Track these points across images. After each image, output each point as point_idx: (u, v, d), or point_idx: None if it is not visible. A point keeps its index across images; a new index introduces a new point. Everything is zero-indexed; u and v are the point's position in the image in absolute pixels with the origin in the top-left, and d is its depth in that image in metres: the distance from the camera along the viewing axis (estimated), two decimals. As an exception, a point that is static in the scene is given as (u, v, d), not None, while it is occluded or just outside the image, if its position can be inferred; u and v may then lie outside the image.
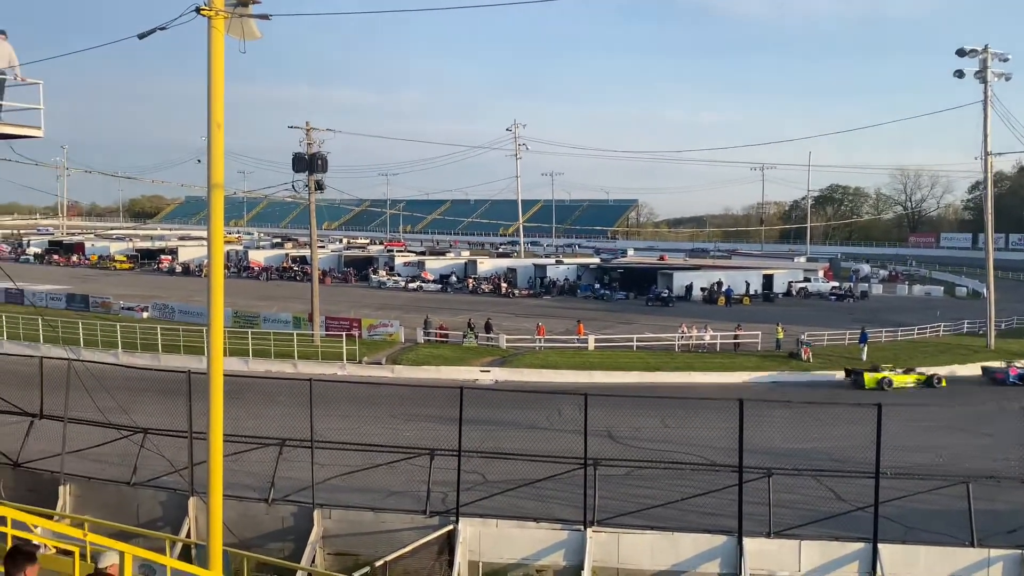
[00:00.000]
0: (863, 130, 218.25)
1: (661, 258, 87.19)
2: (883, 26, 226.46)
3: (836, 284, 69.81)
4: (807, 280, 70.02)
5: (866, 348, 39.30)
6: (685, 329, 42.08)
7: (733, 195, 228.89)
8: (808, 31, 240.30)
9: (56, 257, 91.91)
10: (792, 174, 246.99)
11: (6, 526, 10.18)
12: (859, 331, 41.05)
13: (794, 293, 66.99)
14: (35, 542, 10.44)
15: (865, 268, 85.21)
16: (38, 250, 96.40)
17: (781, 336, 40.79)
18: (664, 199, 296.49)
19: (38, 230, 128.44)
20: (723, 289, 61.70)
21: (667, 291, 61.27)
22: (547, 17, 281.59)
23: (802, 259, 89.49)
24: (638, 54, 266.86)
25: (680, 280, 64.18)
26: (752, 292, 63.72)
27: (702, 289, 62.83)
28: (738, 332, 42.13)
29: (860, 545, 14.67)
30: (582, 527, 15.16)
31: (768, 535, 14.86)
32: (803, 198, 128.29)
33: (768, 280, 66.93)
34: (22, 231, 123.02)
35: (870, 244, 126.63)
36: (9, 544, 9.81)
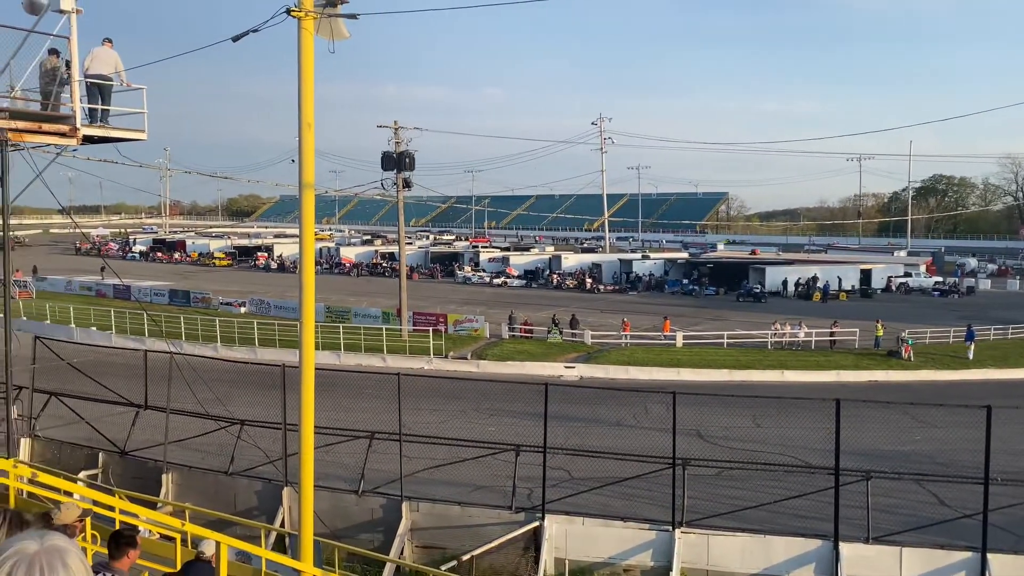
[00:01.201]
0: (968, 117, 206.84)
1: (753, 252, 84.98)
2: (988, 10, 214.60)
3: (940, 279, 66.67)
4: (908, 275, 67.10)
5: (973, 346, 37.36)
6: (778, 326, 40.92)
7: (828, 187, 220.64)
8: (906, 15, 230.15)
9: (160, 254, 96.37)
10: (891, 164, 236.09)
11: (115, 512, 10.69)
12: (965, 328, 39.04)
13: (894, 289, 64.31)
14: (138, 527, 10.91)
15: (971, 262, 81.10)
16: (143, 248, 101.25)
17: (880, 333, 39.19)
18: (756, 192, 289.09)
19: (143, 229, 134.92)
20: (818, 284, 59.76)
21: (759, 286, 59.73)
22: (635, 8, 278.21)
23: (902, 253, 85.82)
24: (731, 44, 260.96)
25: (773, 275, 62.46)
26: (849, 288, 61.46)
27: (796, 284, 61.03)
28: (834, 329, 40.72)
29: (967, 554, 13.91)
30: (670, 527, 14.90)
31: (866, 540, 14.26)
32: (903, 189, 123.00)
33: (866, 275, 64.43)
34: (129, 230, 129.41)
35: (977, 237, 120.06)
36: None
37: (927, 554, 14.10)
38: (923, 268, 70.69)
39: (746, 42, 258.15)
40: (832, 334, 40.46)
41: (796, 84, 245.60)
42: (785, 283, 61.42)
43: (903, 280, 65.68)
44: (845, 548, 14.16)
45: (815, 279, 60.81)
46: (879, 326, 39.58)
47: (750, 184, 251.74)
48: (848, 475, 14.75)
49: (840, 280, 61.67)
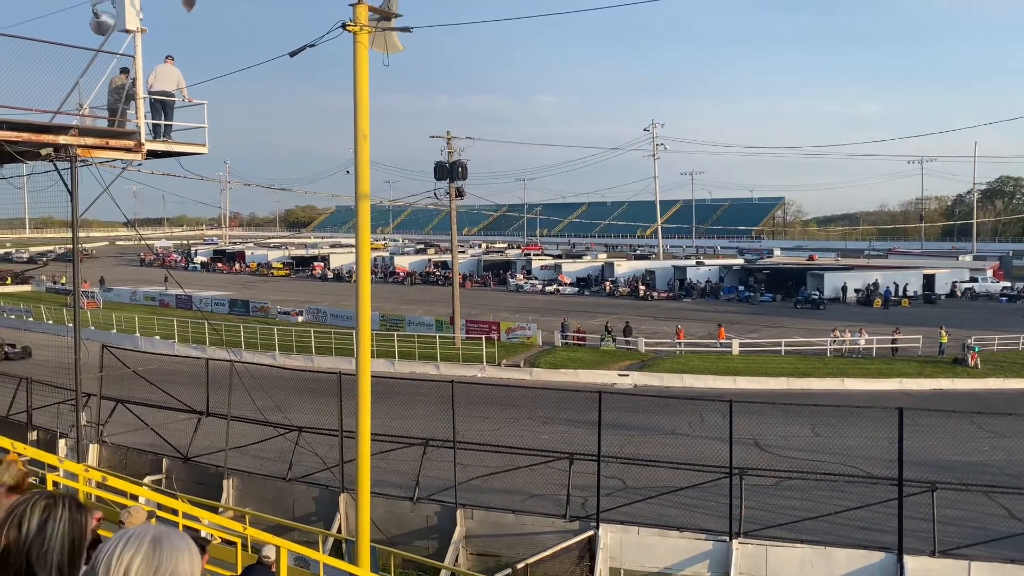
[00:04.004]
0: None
1: (811, 258, 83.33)
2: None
3: (1008, 284, 64.47)
4: (974, 280, 65.04)
5: (1044, 353, 36.02)
6: (838, 333, 40.05)
7: (889, 190, 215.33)
8: (970, 12, 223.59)
9: (220, 265, 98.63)
10: (955, 166, 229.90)
11: (178, 516, 10.97)
12: (1035, 335, 37.69)
13: (959, 294, 62.44)
14: (204, 534, 11.18)
15: (1041, 266, 78.18)
16: (204, 258, 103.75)
17: (945, 340, 38.03)
18: (813, 196, 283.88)
19: (204, 240, 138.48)
20: (879, 290, 58.34)
21: (818, 293, 58.58)
22: (690, 11, 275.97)
23: (968, 258, 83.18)
24: (791, 46, 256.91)
25: (832, 281, 61.20)
26: (912, 293, 59.86)
27: (856, 290, 59.70)
28: (896, 336, 39.66)
29: (1040, 569, 13.40)
30: (727, 538, 14.67)
31: (932, 554, 13.83)
32: (968, 192, 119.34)
33: (929, 280, 62.68)
34: (190, 241, 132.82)
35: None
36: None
37: (997, 569, 13.61)
38: (990, 273, 68.41)
39: (806, 44, 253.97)
40: (894, 341, 39.42)
41: (858, 85, 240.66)
42: (844, 289, 60.15)
43: (969, 285, 63.70)
44: (910, 561, 13.76)
45: (875, 285, 59.40)
46: (943, 333, 38.44)
47: (808, 188, 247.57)
48: (912, 486, 14.34)
49: (897, 286, 60.16)
